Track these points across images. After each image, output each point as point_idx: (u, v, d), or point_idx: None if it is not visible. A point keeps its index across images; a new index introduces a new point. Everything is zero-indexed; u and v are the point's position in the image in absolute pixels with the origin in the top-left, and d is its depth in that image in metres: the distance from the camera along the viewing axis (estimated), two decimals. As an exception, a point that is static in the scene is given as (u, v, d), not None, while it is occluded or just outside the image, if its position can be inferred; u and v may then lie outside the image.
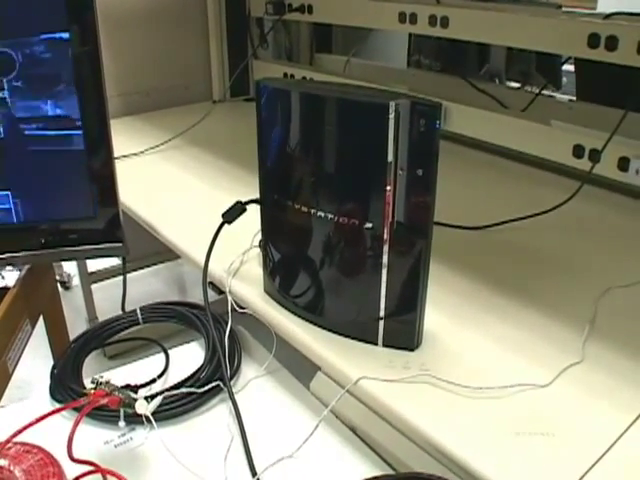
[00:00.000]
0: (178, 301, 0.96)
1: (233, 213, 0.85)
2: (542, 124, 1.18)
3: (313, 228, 0.72)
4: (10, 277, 1.04)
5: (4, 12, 0.81)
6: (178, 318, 0.92)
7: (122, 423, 0.69)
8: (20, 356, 1.02)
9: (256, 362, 0.85)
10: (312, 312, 0.77)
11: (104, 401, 0.66)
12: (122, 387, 0.69)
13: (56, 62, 0.83)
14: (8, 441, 0.63)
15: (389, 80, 1.63)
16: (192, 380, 0.78)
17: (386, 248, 0.68)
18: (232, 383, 0.79)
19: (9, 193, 0.88)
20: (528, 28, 1.12)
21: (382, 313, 0.71)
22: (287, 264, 0.79)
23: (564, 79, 1.67)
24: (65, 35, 0.82)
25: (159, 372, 0.84)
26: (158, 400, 0.71)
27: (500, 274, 0.88)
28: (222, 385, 0.77)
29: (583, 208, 1.06)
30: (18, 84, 0.84)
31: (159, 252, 1.91)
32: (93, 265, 1.95)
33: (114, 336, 0.92)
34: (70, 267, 2.32)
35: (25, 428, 0.63)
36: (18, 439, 0.64)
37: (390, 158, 0.64)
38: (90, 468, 0.65)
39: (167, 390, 0.75)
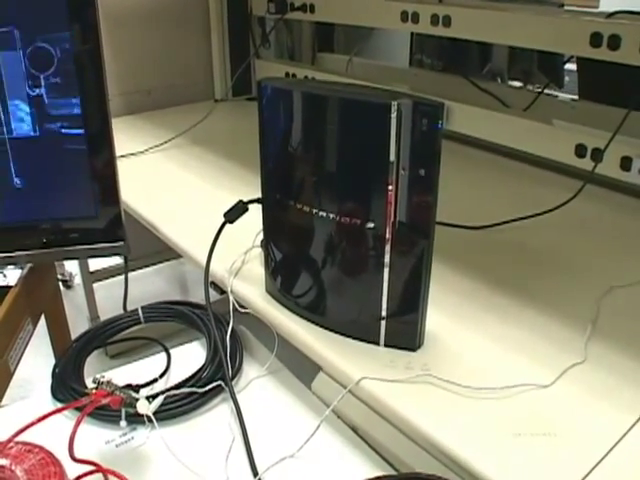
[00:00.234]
0: (180, 300, 0.96)
1: (235, 213, 0.85)
2: (544, 123, 1.18)
3: (315, 228, 0.72)
4: (12, 276, 1.04)
5: (43, 6, 0.81)
6: (180, 317, 0.92)
7: (123, 423, 0.69)
8: (22, 355, 1.02)
9: (258, 362, 0.85)
10: (314, 312, 0.77)
11: (105, 401, 0.66)
12: (123, 387, 0.69)
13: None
14: (9, 441, 0.63)
15: (391, 79, 1.63)
16: (194, 380, 0.78)
17: (388, 248, 0.67)
18: (234, 383, 0.79)
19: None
20: (530, 27, 1.12)
21: (384, 313, 0.71)
22: (289, 264, 0.79)
23: (566, 78, 1.66)
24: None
25: (160, 372, 0.84)
26: (159, 400, 0.71)
27: (502, 274, 0.88)
28: (224, 385, 0.77)
29: (585, 208, 1.06)
30: (56, 80, 0.84)
31: (161, 251, 1.90)
32: (95, 264, 1.95)
33: (116, 335, 0.92)
34: (72, 266, 2.32)
35: (26, 428, 0.63)
36: (19, 438, 0.64)
37: (392, 158, 0.63)
38: (91, 468, 0.65)
39: (168, 390, 0.75)
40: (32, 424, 0.63)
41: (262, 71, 1.78)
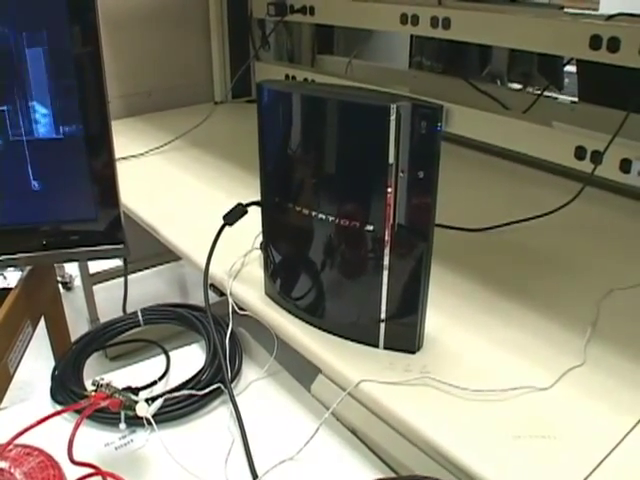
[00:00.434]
0: (179, 303, 0.96)
1: (234, 215, 0.85)
2: (544, 125, 1.18)
3: (314, 230, 0.72)
4: (12, 278, 1.04)
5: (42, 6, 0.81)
6: (179, 320, 0.92)
7: (123, 425, 0.69)
8: (21, 357, 1.02)
9: (257, 364, 0.85)
10: (313, 314, 0.77)
11: (105, 403, 0.66)
12: (123, 389, 0.69)
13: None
14: (9, 443, 0.63)
15: (391, 81, 1.63)
16: (193, 382, 0.78)
17: (387, 250, 0.67)
18: (233, 385, 0.79)
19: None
20: (530, 29, 1.12)
21: (383, 315, 0.71)
22: (288, 266, 0.79)
23: (566, 80, 1.66)
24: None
25: (160, 374, 0.83)
26: (159, 402, 0.71)
27: (502, 276, 0.88)
28: (223, 387, 0.77)
29: (585, 210, 1.06)
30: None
31: (160, 253, 1.90)
32: (95, 266, 1.95)
33: (115, 338, 0.92)
34: (72, 268, 2.32)
35: (26, 430, 0.63)
36: (19, 441, 0.64)
37: (391, 160, 0.63)
38: (90, 470, 0.65)
39: (168, 392, 0.75)
40: (31, 427, 0.63)
41: (262, 73, 1.78)
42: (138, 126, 1.60)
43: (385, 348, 0.73)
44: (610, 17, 1.04)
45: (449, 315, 0.79)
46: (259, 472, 0.67)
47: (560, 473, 0.57)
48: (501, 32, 1.17)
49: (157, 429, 0.70)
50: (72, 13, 0.81)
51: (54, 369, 0.83)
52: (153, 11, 1.66)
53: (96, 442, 0.72)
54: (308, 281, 0.76)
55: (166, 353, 0.88)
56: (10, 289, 1.01)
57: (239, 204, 0.85)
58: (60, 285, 2.22)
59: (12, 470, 0.63)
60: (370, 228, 0.67)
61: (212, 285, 0.90)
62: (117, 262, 1.96)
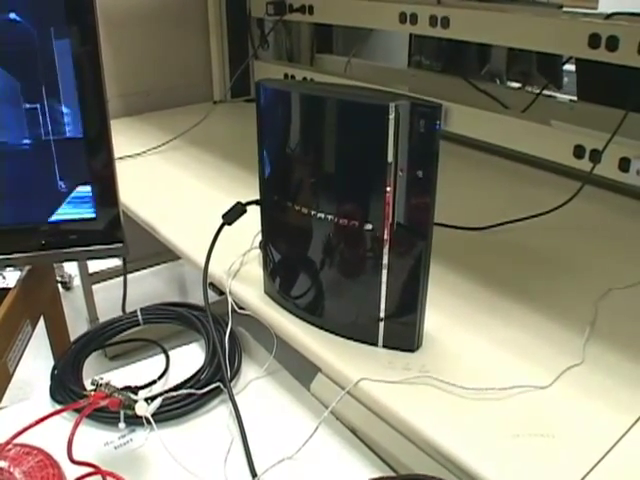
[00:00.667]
0: (178, 302, 0.96)
1: (233, 214, 0.85)
2: (543, 124, 1.18)
3: (313, 229, 0.72)
4: (11, 278, 1.04)
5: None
6: (178, 319, 0.92)
7: (122, 425, 0.69)
8: (21, 357, 1.02)
9: (256, 363, 0.85)
10: (312, 313, 0.77)
11: (104, 403, 0.66)
12: (122, 388, 0.69)
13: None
14: (8, 443, 0.63)
15: (390, 80, 1.63)
16: (192, 381, 0.78)
17: (386, 249, 0.68)
18: (232, 384, 0.79)
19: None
20: (529, 28, 1.12)
21: (382, 314, 0.71)
22: (287, 265, 0.79)
23: (565, 79, 1.66)
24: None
25: (159, 373, 0.84)
26: (158, 401, 0.71)
27: (501, 275, 0.88)
28: (222, 386, 0.77)
29: (584, 209, 1.06)
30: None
31: (159, 253, 1.90)
32: (94, 266, 1.95)
33: (114, 337, 0.92)
34: (71, 268, 2.32)
35: (25, 430, 0.63)
36: (18, 440, 0.64)
37: (390, 159, 0.63)
38: (90, 470, 0.65)
39: (167, 391, 0.75)
40: (31, 426, 0.63)
41: (261, 72, 1.78)
42: (137, 125, 1.60)
43: (384, 347, 0.73)
44: (609, 16, 1.04)
45: (448, 314, 0.79)
46: (258, 471, 0.67)
47: (559, 472, 0.57)
48: (500, 31, 1.17)
49: (156, 428, 0.70)
50: (70, 12, 0.81)
51: (53, 368, 0.83)
52: (152, 10, 1.66)
53: (95, 441, 0.72)
54: (307, 280, 0.76)
55: (165, 352, 0.88)
56: (9, 289, 1.01)
57: (238, 203, 0.85)
58: (59, 285, 2.22)
59: (11, 469, 0.63)
60: (369, 227, 0.67)
61: (211, 284, 0.90)
62: (116, 262, 1.96)
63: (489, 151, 1.35)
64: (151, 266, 2.07)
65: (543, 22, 1.09)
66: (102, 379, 0.69)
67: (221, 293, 0.88)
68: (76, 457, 0.63)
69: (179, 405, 0.75)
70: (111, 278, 1.99)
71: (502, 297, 0.82)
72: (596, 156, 1.07)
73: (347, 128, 0.66)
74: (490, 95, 1.46)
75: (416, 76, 1.71)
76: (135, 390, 0.78)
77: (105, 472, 0.65)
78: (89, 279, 1.93)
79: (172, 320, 0.93)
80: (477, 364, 0.70)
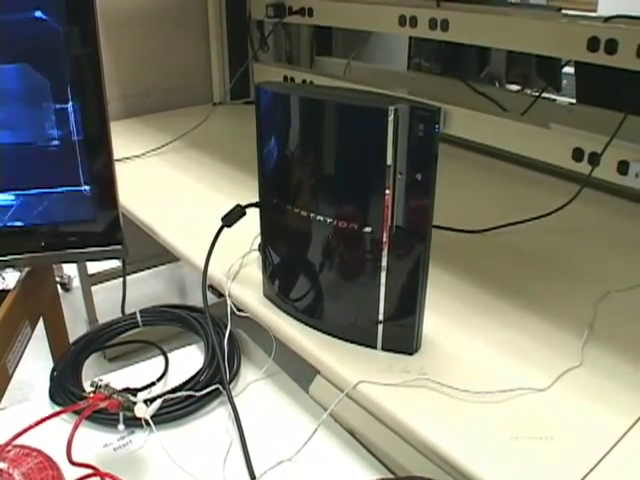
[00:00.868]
0: (178, 304, 0.96)
1: (233, 217, 0.85)
2: (542, 127, 1.18)
3: (312, 232, 0.72)
4: (10, 279, 1.04)
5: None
6: (178, 321, 0.92)
7: (121, 426, 0.69)
8: (20, 358, 1.02)
9: (255, 365, 0.85)
10: (311, 316, 0.77)
11: (103, 404, 0.67)
12: (121, 390, 0.69)
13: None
14: (7, 444, 0.64)
15: (389, 83, 1.63)
16: (191, 383, 0.78)
17: (385, 252, 0.68)
18: (231, 386, 0.79)
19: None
20: (528, 31, 1.12)
21: (381, 317, 0.71)
22: (286, 268, 0.79)
23: (564, 82, 1.66)
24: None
25: (158, 375, 0.84)
26: (157, 403, 0.71)
27: (499, 277, 0.88)
28: (221, 388, 0.77)
29: (582, 211, 1.06)
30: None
31: (159, 254, 1.91)
32: (93, 267, 1.95)
33: (114, 339, 0.92)
34: (70, 269, 2.32)
35: (24, 431, 0.63)
36: (17, 442, 0.64)
37: (389, 162, 0.64)
38: (89, 471, 0.65)
39: (166, 393, 0.75)
40: (30, 427, 0.63)
41: (260, 75, 1.78)
42: (136, 127, 1.60)
43: (383, 349, 0.73)
44: (608, 19, 1.04)
45: (447, 317, 0.79)
46: (257, 473, 0.67)
47: (557, 474, 0.57)
48: (499, 34, 1.17)
49: (156, 430, 0.70)
50: (70, 13, 0.81)
51: (53, 370, 0.83)
52: (152, 12, 1.66)
53: (95, 443, 0.73)
54: (306, 282, 0.76)
55: (164, 354, 0.88)
56: (9, 290, 1.01)
57: (237, 205, 0.85)
58: (59, 286, 2.22)
59: (11, 471, 0.64)
60: (368, 230, 0.68)
61: (211, 286, 0.90)
62: (116, 263, 1.96)
63: (488, 154, 1.35)
64: (150, 268, 2.07)
65: (542, 25, 1.10)
66: (101, 381, 0.69)
67: (220, 295, 0.88)
68: (75, 459, 0.64)
69: (178, 407, 0.76)
70: (110, 280, 1.99)
71: (501, 299, 0.83)
72: (595, 159, 1.08)
73: (346, 131, 0.66)
74: (489, 98, 1.46)
75: (415, 79, 1.72)
76: (134, 392, 0.78)
77: (104, 474, 0.65)
78: (88, 280, 1.93)
79: (171, 322, 0.93)
80: (476, 366, 0.70)
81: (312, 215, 0.71)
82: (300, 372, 0.80)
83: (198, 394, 0.76)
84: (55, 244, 0.92)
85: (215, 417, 0.76)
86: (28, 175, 0.88)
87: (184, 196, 1.19)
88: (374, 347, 0.73)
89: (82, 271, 1.91)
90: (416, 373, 0.69)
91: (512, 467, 0.58)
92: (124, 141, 1.47)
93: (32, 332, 1.07)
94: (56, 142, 0.86)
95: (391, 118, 0.62)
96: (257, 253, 0.90)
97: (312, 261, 0.74)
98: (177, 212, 1.12)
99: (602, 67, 1.03)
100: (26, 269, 1.06)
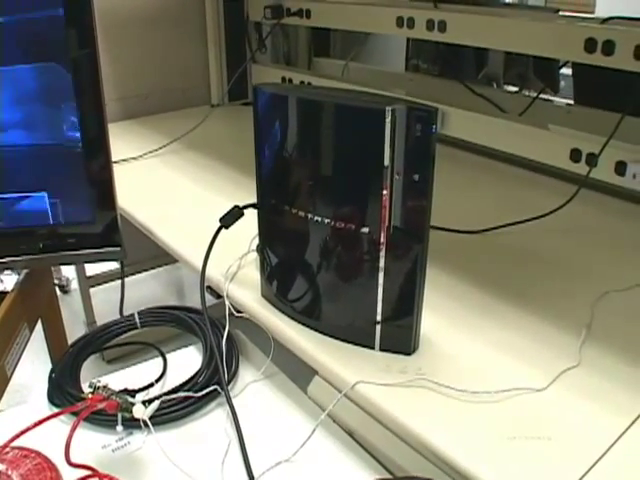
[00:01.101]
0: (176, 305, 0.96)
1: (230, 217, 0.85)
2: (540, 128, 1.18)
3: (310, 233, 0.72)
4: (8, 281, 1.04)
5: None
6: (176, 322, 0.92)
7: (120, 427, 0.69)
8: (18, 360, 1.02)
9: (254, 366, 0.85)
10: (309, 316, 0.77)
11: (102, 405, 0.67)
12: (120, 391, 0.70)
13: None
14: (6, 446, 0.64)
15: (387, 84, 1.64)
16: (190, 384, 0.78)
17: (383, 252, 0.68)
18: (230, 387, 0.79)
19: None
20: (526, 32, 1.12)
21: (379, 317, 0.71)
22: (284, 268, 0.79)
23: (562, 83, 1.67)
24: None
25: (157, 376, 0.84)
26: (156, 404, 0.71)
27: (497, 278, 0.88)
28: (220, 389, 0.77)
29: (580, 212, 1.06)
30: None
31: (157, 256, 1.91)
32: (91, 269, 1.95)
33: (112, 340, 0.92)
34: (68, 271, 2.31)
35: (23, 433, 0.63)
36: (16, 443, 0.64)
37: (387, 163, 0.64)
38: (88, 472, 0.65)
39: (165, 394, 0.76)
40: (28, 429, 0.63)
41: (258, 76, 1.78)
42: (135, 129, 1.60)
43: (381, 350, 0.73)
44: (605, 20, 1.04)
45: (445, 317, 0.79)
46: (256, 474, 0.67)
47: (555, 474, 0.57)
48: (497, 35, 1.17)
49: (154, 431, 0.70)
50: (68, 14, 0.82)
51: (51, 372, 0.83)
52: (150, 14, 1.66)
53: (93, 444, 0.73)
54: (304, 283, 0.76)
55: (163, 355, 0.88)
56: (7, 292, 1.01)
57: (235, 206, 0.85)
58: (57, 288, 2.22)
59: (9, 472, 0.63)
60: (366, 230, 0.68)
61: (209, 287, 0.90)
62: (114, 265, 1.96)
63: (486, 154, 1.36)
64: (149, 270, 2.07)
65: (540, 26, 1.10)
66: (100, 382, 0.69)
67: (218, 296, 0.88)
68: (74, 460, 0.64)
69: (177, 408, 0.76)
70: (109, 281, 1.99)
71: (499, 300, 0.83)
72: (592, 160, 1.08)
73: (344, 132, 0.66)
74: (487, 99, 1.46)
75: (413, 80, 1.72)
76: (133, 393, 0.78)
77: (103, 475, 0.65)
78: (87, 282, 1.93)
79: (170, 323, 0.93)
80: (473, 366, 0.71)
81: (310, 216, 0.71)
82: (298, 373, 0.80)
83: (196, 395, 0.76)
84: (53, 246, 0.92)
85: (213, 418, 0.76)
86: (27, 176, 0.88)
87: (182, 197, 1.19)
88: (372, 347, 0.73)
89: (80, 273, 1.91)
90: (414, 373, 0.69)
91: (510, 467, 0.58)
92: (122, 143, 1.47)
93: (30, 334, 1.07)
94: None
95: (388, 119, 0.62)
96: (255, 254, 0.90)
97: (310, 262, 0.74)
98: (175, 213, 1.12)
99: (600, 68, 1.03)
100: (24, 271, 1.06)
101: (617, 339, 0.74)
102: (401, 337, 0.72)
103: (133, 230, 1.08)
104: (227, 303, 0.83)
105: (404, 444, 0.66)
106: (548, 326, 0.77)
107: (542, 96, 1.48)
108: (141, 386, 0.81)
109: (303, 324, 0.78)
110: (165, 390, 0.78)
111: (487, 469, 0.57)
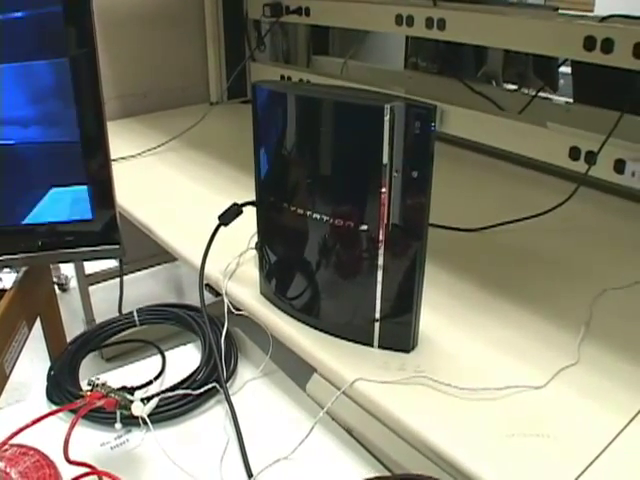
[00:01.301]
0: (175, 303, 0.96)
1: (229, 215, 0.85)
2: (539, 126, 1.18)
3: (309, 230, 0.72)
4: (7, 279, 1.04)
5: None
6: (175, 320, 0.92)
7: (118, 425, 0.69)
8: (17, 358, 1.02)
9: (252, 364, 0.85)
10: (308, 314, 0.77)
11: (100, 403, 0.67)
12: (118, 389, 0.69)
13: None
14: (4, 443, 0.64)
15: (386, 82, 1.64)
16: (188, 382, 0.78)
17: (381, 250, 0.68)
18: (228, 385, 0.79)
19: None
20: (525, 31, 1.12)
21: (378, 315, 0.71)
22: (283, 266, 0.79)
23: (561, 81, 1.67)
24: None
25: (155, 374, 0.84)
26: (154, 402, 0.71)
27: (496, 276, 0.88)
28: (218, 387, 0.77)
29: (579, 210, 1.06)
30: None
31: (156, 254, 1.91)
32: (90, 267, 1.95)
33: (111, 338, 0.92)
34: (67, 269, 2.31)
35: (21, 430, 0.63)
36: (14, 441, 0.64)
37: (385, 160, 0.64)
38: (86, 470, 0.65)
39: (163, 392, 0.75)
40: (27, 426, 0.63)
41: (257, 74, 1.78)
42: (134, 127, 1.60)
43: (380, 347, 0.73)
44: (604, 18, 1.04)
45: (443, 315, 0.79)
46: (254, 471, 0.67)
47: (553, 471, 0.57)
48: (496, 33, 1.17)
49: (153, 428, 0.70)
50: (68, 14, 0.82)
51: (50, 369, 0.83)
52: (149, 12, 1.66)
53: (92, 442, 0.73)
54: (303, 281, 0.76)
55: (162, 353, 0.88)
56: (6, 290, 1.01)
57: (234, 204, 0.85)
58: (56, 286, 2.22)
59: (8, 470, 0.64)
60: (364, 228, 0.68)
61: (207, 285, 0.90)
62: (113, 263, 1.96)
63: (485, 152, 1.36)
64: (147, 268, 2.07)
65: (539, 24, 1.10)
66: (98, 379, 0.69)
67: (217, 294, 0.88)
68: (72, 457, 0.64)
69: (175, 405, 0.76)
70: (108, 279, 1.98)
71: (497, 297, 0.83)
72: (591, 158, 1.08)
73: (343, 129, 0.66)
74: (486, 97, 1.47)
75: (412, 78, 1.72)
76: (131, 390, 0.78)
77: (101, 472, 0.65)
78: (86, 280, 1.93)
79: (168, 321, 0.93)
80: (472, 364, 0.71)
81: (308, 213, 0.71)
82: (297, 370, 0.80)
83: (195, 393, 0.76)
84: (52, 244, 0.92)
85: (212, 415, 0.76)
86: (27, 174, 0.88)
87: (181, 195, 1.19)
88: (371, 345, 0.73)
89: (79, 271, 1.91)
90: (413, 371, 0.69)
91: (508, 464, 0.58)
92: (121, 141, 1.47)
93: (29, 332, 1.07)
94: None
95: (387, 116, 0.62)
96: (254, 251, 0.90)
97: (309, 259, 0.74)
98: (174, 211, 1.12)
99: (599, 66, 1.03)
100: (23, 269, 1.06)
101: (616, 337, 0.75)
102: (400, 335, 0.72)
103: (132, 228, 1.07)
104: (226, 301, 0.83)
105: (402, 441, 0.66)
106: (547, 323, 0.77)
107: (541, 94, 1.48)
108: (140, 384, 0.81)
109: (302, 322, 0.78)
110: (164, 388, 0.78)
111: (485, 466, 0.57)
